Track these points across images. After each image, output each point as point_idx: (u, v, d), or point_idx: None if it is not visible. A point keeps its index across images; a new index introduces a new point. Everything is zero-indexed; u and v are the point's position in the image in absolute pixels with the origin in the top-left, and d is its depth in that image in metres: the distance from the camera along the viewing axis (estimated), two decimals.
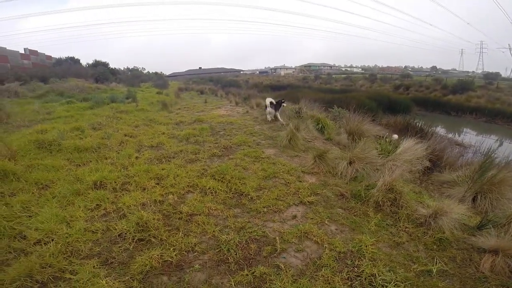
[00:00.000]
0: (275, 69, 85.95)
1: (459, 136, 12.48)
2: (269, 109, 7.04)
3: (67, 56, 30.90)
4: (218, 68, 78.02)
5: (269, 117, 7.08)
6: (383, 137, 5.46)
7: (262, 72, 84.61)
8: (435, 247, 2.28)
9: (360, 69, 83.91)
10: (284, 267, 2.00)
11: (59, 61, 29.99)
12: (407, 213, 2.68)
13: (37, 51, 33.01)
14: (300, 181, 3.38)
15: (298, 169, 3.74)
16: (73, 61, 29.96)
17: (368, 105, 12.53)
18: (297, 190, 3.14)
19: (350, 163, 3.69)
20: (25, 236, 2.26)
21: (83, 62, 30.77)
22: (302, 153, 4.49)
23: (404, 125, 10.70)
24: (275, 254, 2.14)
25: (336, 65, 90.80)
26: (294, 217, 2.65)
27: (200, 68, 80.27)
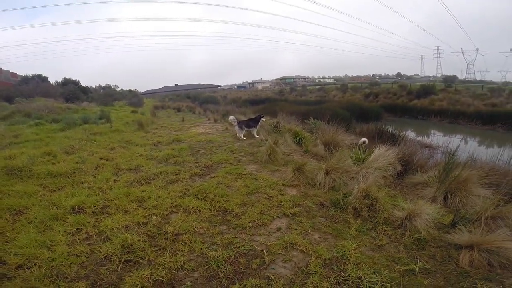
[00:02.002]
0: (253, 83, 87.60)
1: (427, 138, 13.26)
2: (236, 127, 7.08)
3: (34, 73, 29.43)
4: (195, 84, 77.83)
5: (238, 135, 7.04)
6: (356, 145, 5.76)
7: (240, 87, 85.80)
8: (414, 247, 2.43)
9: (332, 80, 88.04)
10: (274, 277, 2.06)
11: (26, 79, 28.47)
12: (384, 217, 2.85)
13: (0, 68, 31.20)
14: (282, 194, 3.49)
15: (279, 182, 3.85)
16: (41, 79, 28.56)
17: (342, 115, 13.14)
18: (280, 203, 3.24)
19: (327, 173, 3.87)
20: (4, 261, 2.21)
21: (52, 80, 29.45)
22: (282, 167, 4.62)
23: (376, 132, 11.29)
24: (264, 266, 2.20)
25: (310, 76, 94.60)
26: (279, 229, 2.73)
27: (176, 84, 79.70)
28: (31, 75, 29.65)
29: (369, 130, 11.60)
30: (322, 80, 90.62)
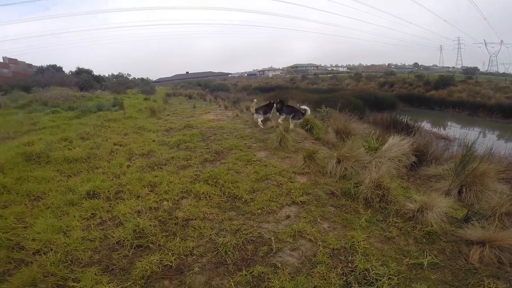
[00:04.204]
0: (263, 71, 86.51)
1: (444, 129, 12.84)
2: (255, 114, 7.02)
3: (48, 64, 30.05)
4: (206, 72, 77.60)
5: (257, 121, 6.94)
6: (369, 134, 5.62)
7: (250, 75, 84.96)
8: (424, 240, 2.36)
9: (346, 68, 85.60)
10: (281, 265, 2.06)
11: (41, 70, 29.11)
12: (396, 208, 2.78)
13: (16, 59, 32.11)
14: (292, 182, 3.47)
15: (289, 170, 3.82)
16: (56, 69, 29.14)
17: (355, 104, 12.85)
18: (289, 190, 3.22)
19: (339, 161, 3.80)
20: (23, 246, 2.28)
21: (66, 70, 30.01)
22: (292, 154, 4.59)
23: (390, 121, 11.01)
24: (271, 254, 2.20)
25: (322, 65, 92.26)
26: (288, 217, 2.73)
27: (187, 72, 79.65)
28: (46, 66, 30.30)
29: (383, 119, 11.31)
30: (335, 68, 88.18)
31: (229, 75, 78.90)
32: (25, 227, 2.56)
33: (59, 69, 29.64)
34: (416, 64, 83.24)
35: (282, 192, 3.19)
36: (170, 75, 77.25)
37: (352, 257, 2.13)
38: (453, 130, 12.22)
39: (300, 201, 2.99)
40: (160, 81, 61.43)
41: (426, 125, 13.28)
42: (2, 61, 29.97)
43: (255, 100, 7.92)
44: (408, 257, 2.14)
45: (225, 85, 36.87)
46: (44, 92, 14.59)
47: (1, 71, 28.36)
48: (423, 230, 2.47)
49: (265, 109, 7.04)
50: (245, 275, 1.98)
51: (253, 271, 2.01)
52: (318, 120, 6.99)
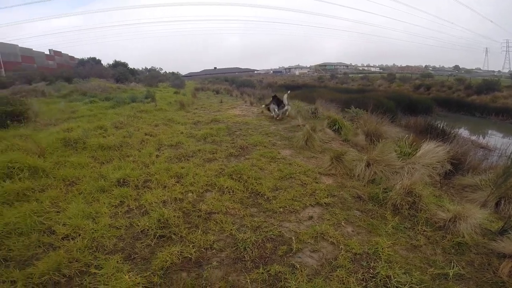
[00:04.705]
0: (290, 68, 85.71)
1: (484, 138, 11.88)
2: (272, 105, 7.45)
3: (89, 57, 32.22)
4: (232, 68, 78.69)
5: (274, 114, 7.36)
6: (402, 138, 5.33)
7: (276, 72, 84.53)
8: (453, 251, 2.24)
9: (378, 69, 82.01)
10: (299, 266, 2.02)
11: (82, 62, 31.30)
12: (426, 217, 2.64)
13: (61, 52, 34.69)
14: (317, 182, 3.38)
15: (314, 170, 3.74)
16: (95, 61, 31.17)
17: (387, 106, 12.26)
18: (314, 191, 3.15)
19: (368, 165, 3.65)
20: (53, 231, 2.37)
21: (104, 62, 31.96)
22: (319, 154, 4.47)
23: (425, 126, 10.41)
24: (290, 254, 2.17)
25: (353, 64, 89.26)
26: (310, 217, 2.67)
27: (215, 68, 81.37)
28: (86, 58, 32.47)
29: (417, 123, 10.72)
30: (366, 68, 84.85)
31: (255, 72, 79.18)
32: (58, 212, 2.68)
33: (98, 61, 31.66)
34: (456, 67, 77.53)
35: (306, 192, 3.12)
36: (199, 70, 79.36)
37: (374, 263, 2.04)
38: (494, 139, 11.25)
39: (325, 203, 2.91)
40: (189, 76, 63.23)
41: (464, 132, 12.39)
42: (48, 53, 32.50)
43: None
44: (433, 267, 2.04)
45: (250, 81, 37.01)
46: (83, 83, 15.66)
47: (47, 63, 30.79)
48: (453, 241, 2.32)
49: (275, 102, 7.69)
50: (262, 273, 1.96)
51: (270, 270, 1.98)
52: (347, 121, 6.75)
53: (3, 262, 2.02)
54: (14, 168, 3.25)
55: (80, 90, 12.86)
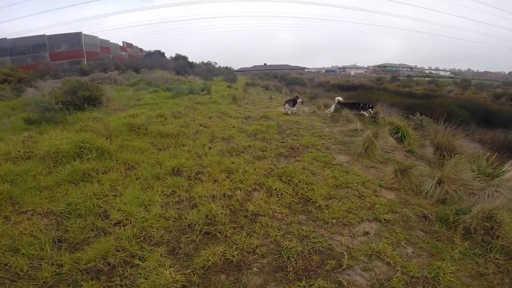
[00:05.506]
0: (344, 68, 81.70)
1: None
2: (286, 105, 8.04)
3: (154, 49, 35.13)
4: (282, 65, 78.05)
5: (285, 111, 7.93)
6: (481, 156, 4.56)
7: (328, 71, 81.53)
8: None
9: (449, 73, 72.79)
10: (347, 284, 1.85)
11: (149, 54, 34.28)
12: (503, 244, 2.29)
13: (132, 44, 38.40)
14: (377, 196, 3.06)
15: (375, 181, 3.39)
16: (160, 54, 33.88)
17: (458, 115, 10.75)
18: (373, 205, 2.85)
19: (439, 182, 3.17)
20: (108, 215, 2.46)
21: (167, 55, 34.55)
22: (379, 164, 4.07)
23: (505, 142, 8.93)
24: (339, 270, 1.99)
25: (418, 66, 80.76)
26: (366, 233, 2.43)
27: (265, 64, 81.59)
28: (152, 51, 35.45)
29: (495, 138, 9.23)
30: (434, 72, 76.03)
31: (305, 70, 77.42)
32: (115, 196, 2.78)
33: (162, 54, 34.33)
34: None
35: (364, 205, 2.83)
36: (250, 66, 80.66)
37: None
38: None
39: (384, 219, 2.61)
40: (241, 71, 64.69)
41: None
42: (122, 45, 36.34)
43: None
44: None
45: (301, 79, 36.28)
46: (149, 74, 17.14)
47: (120, 54, 34.46)
48: None
49: (292, 102, 8.23)
50: (304, 286, 1.83)
51: (314, 284, 1.84)
52: (411, 130, 6.04)
53: (57, 243, 2.15)
54: (84, 149, 3.56)
55: (146, 79, 14.13)
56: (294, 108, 8.19)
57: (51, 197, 2.73)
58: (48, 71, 18.99)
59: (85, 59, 26.09)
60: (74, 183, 2.97)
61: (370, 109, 7.06)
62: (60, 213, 2.48)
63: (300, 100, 8.72)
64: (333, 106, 7.79)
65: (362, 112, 7.14)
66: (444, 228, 2.53)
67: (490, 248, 2.27)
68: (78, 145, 3.56)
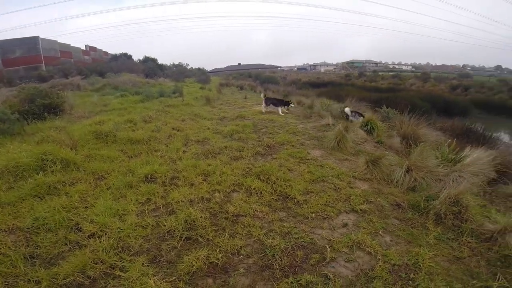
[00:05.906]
0: (314, 65, 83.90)
1: None
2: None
3: (121, 52, 33.57)
4: (256, 64, 78.55)
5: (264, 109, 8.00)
6: (443, 143, 4.92)
7: (300, 69, 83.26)
8: (499, 263, 2.10)
9: (410, 67, 77.54)
10: (333, 277, 1.90)
11: (115, 57, 32.68)
12: (472, 228, 2.48)
13: (96, 47, 36.36)
14: (351, 187, 3.17)
15: (348, 173, 3.51)
16: (126, 57, 32.43)
17: (420, 107, 11.52)
18: (348, 196, 2.95)
19: (408, 171, 3.36)
20: (80, 228, 2.34)
21: (134, 58, 33.17)
22: (351, 156, 4.22)
23: (463, 129, 9.71)
24: (323, 263, 2.04)
25: (383, 62, 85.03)
26: (345, 225, 2.51)
27: (239, 64, 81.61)
28: (118, 54, 33.82)
29: (453, 126, 10.00)
30: (397, 66, 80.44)
31: (278, 68, 78.54)
32: (86, 207, 2.65)
33: (129, 57, 32.90)
34: (498, 67, 70.98)
35: (340, 197, 2.93)
36: (223, 66, 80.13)
37: (414, 274, 1.92)
38: None
39: (360, 210, 2.72)
40: (214, 71, 64.05)
41: (505, 136, 11.47)
42: (84, 48, 34.26)
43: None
44: (476, 280, 1.93)
45: (274, 78, 36.75)
46: (115, 78, 16.33)
47: (83, 58, 32.45)
48: (500, 253, 2.17)
49: (275, 101, 8.26)
50: (292, 282, 1.85)
51: (301, 280, 1.87)
52: (379, 122, 6.36)
53: (29, 259, 2.00)
54: (47, 161, 3.30)
55: (112, 84, 13.42)
56: (282, 109, 8.03)
57: (15, 212, 2.53)
58: (0, 78, 17.37)
59: (44, 64, 24.24)
60: (39, 197, 2.77)
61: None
62: (28, 228, 2.31)
63: (293, 105, 8.60)
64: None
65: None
66: (417, 215, 2.68)
67: (461, 232, 2.42)
68: (40, 157, 3.31)
